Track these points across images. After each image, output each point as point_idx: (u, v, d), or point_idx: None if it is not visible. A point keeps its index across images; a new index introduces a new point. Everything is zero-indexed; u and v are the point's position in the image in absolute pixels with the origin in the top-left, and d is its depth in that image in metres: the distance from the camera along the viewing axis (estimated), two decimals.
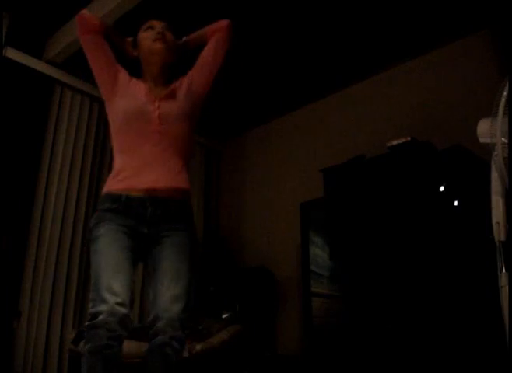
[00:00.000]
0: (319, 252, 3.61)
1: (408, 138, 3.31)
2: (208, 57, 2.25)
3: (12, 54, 3.67)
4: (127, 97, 2.11)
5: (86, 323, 1.77)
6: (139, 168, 2.02)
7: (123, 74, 2.18)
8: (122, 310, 1.76)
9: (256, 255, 4.73)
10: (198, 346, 3.24)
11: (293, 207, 4.11)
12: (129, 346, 3.13)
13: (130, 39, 2.29)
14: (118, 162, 2.08)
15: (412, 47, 3.91)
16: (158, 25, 2.22)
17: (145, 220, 1.98)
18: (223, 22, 2.29)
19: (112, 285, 1.79)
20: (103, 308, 1.75)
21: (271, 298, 4.35)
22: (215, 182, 5.44)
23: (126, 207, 1.96)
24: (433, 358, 2.74)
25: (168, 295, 1.88)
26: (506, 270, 1.90)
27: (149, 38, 2.18)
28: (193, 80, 2.24)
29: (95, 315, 1.75)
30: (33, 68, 3.85)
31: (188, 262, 1.99)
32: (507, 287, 1.88)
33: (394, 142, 3.37)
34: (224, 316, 4.01)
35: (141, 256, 2.02)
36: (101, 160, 4.26)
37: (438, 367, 2.70)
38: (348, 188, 3.63)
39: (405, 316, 2.97)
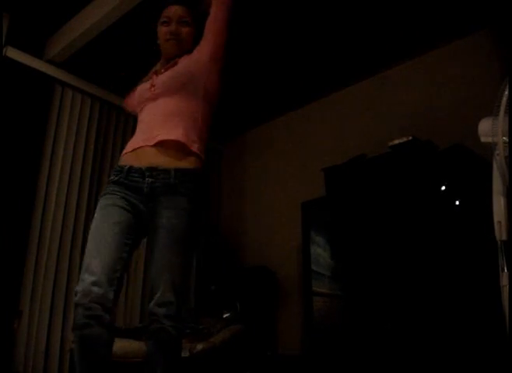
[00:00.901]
0: (320, 252, 3.61)
1: (410, 138, 3.30)
2: (210, 23, 2.18)
3: (12, 53, 3.66)
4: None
5: None
6: (138, 137, 2.08)
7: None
8: (96, 289, 1.75)
9: (257, 254, 4.73)
10: (199, 346, 3.23)
11: (294, 206, 4.11)
12: (129, 346, 3.15)
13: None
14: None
15: (413, 47, 3.90)
16: (173, 17, 2.22)
17: (143, 193, 1.96)
18: None
19: (91, 264, 1.81)
20: (79, 287, 1.78)
21: (272, 297, 4.35)
22: (216, 181, 5.43)
23: (127, 177, 1.98)
24: (433, 357, 2.73)
25: (162, 280, 1.86)
26: (507, 270, 1.90)
27: (163, 35, 2.22)
28: (198, 48, 2.23)
29: (75, 295, 1.78)
30: (33, 68, 3.84)
31: (184, 245, 1.94)
32: (508, 286, 1.88)
33: (396, 141, 3.36)
34: (225, 316, 4.01)
35: (142, 232, 2.00)
36: (102, 159, 4.26)
37: (439, 367, 2.70)
38: (349, 187, 3.63)
39: (406, 316, 2.97)
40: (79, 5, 3.61)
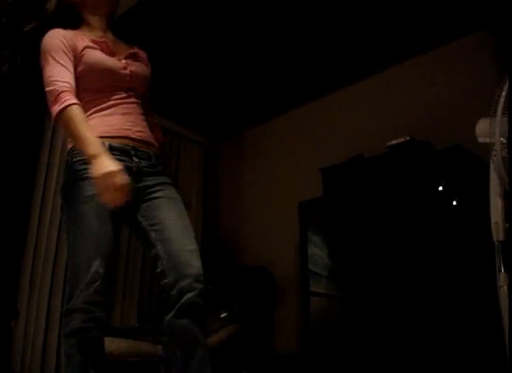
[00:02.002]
0: (318, 252, 3.61)
1: (407, 138, 3.31)
2: None
3: None
4: (90, 54, 1.96)
5: None
6: (120, 119, 1.96)
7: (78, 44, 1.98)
8: (96, 292, 1.72)
9: (254, 254, 4.73)
10: None
11: (292, 206, 4.10)
12: (127, 346, 3.15)
13: None
14: (94, 114, 1.95)
15: (410, 47, 3.90)
16: None
17: (131, 173, 1.82)
18: None
19: (89, 265, 1.74)
20: (77, 291, 1.74)
21: (269, 297, 4.35)
22: (213, 181, 5.43)
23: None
24: (431, 358, 2.74)
25: (186, 251, 1.79)
26: (504, 270, 1.91)
27: None
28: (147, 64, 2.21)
29: (69, 300, 1.78)
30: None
31: (187, 216, 1.93)
32: (506, 286, 1.88)
33: (393, 142, 3.37)
34: (222, 316, 4.01)
35: (124, 217, 1.90)
36: None
37: (437, 367, 2.70)
38: (347, 187, 3.63)
39: (403, 316, 2.97)
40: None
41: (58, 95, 1.79)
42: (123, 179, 1.66)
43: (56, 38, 1.92)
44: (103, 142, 1.81)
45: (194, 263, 1.78)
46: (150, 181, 1.92)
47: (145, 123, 2.05)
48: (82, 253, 1.76)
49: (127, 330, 3.46)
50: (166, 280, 1.77)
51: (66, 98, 1.79)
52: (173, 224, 1.86)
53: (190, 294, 1.72)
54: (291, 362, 3.75)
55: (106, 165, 1.66)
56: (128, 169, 1.79)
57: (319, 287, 3.53)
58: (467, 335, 2.66)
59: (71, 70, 1.89)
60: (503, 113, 1.85)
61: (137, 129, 1.97)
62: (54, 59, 1.87)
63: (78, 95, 1.87)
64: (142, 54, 2.21)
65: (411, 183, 3.19)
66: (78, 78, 1.92)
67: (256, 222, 4.92)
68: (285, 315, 4.29)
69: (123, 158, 1.85)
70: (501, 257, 1.93)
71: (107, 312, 1.79)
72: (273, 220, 4.71)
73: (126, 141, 1.91)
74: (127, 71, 2.02)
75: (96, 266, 1.72)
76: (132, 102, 2.03)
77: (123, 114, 1.97)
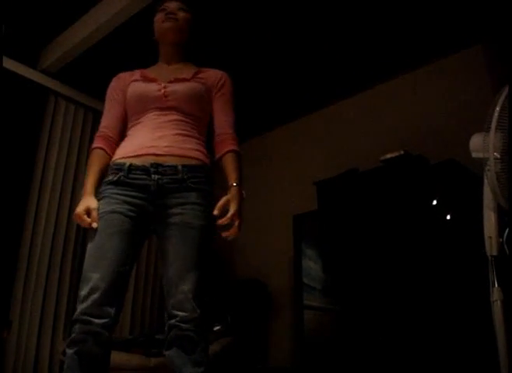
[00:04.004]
0: (312, 265, 3.60)
1: (402, 152, 3.32)
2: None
3: (6, 63, 3.66)
4: (131, 86, 2.16)
5: None
6: (146, 137, 2.03)
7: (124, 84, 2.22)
8: (96, 305, 1.75)
9: (248, 267, 4.72)
10: None
11: (286, 219, 4.10)
12: (119, 358, 3.13)
13: None
14: (124, 138, 2.13)
15: (405, 62, 3.93)
16: (171, 5, 2.22)
17: (150, 191, 1.92)
18: None
19: (92, 279, 1.78)
20: (79, 304, 1.78)
21: (263, 310, 4.34)
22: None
23: (129, 176, 1.93)
24: (425, 370, 2.73)
25: (180, 292, 1.83)
26: (498, 285, 1.91)
27: (160, 19, 2.21)
28: (212, 89, 2.28)
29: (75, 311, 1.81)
30: (27, 78, 3.85)
31: (198, 249, 1.93)
32: (499, 301, 1.88)
33: (388, 156, 3.38)
34: (216, 328, 3.99)
35: (144, 235, 2.02)
36: None
37: None
38: (341, 201, 3.64)
39: (398, 329, 2.97)
40: (74, 16, 3.63)
41: (95, 137, 2.13)
42: (83, 221, 1.87)
43: (110, 85, 2.24)
44: (124, 162, 1.95)
45: (184, 307, 1.81)
46: (171, 199, 1.94)
47: (179, 138, 2.04)
48: (86, 267, 1.82)
49: (119, 342, 3.43)
50: (165, 314, 1.88)
51: (96, 141, 2.10)
52: (172, 262, 1.88)
53: (175, 330, 1.80)
54: None
55: (81, 204, 1.90)
56: (145, 188, 1.91)
57: (313, 301, 3.52)
58: (462, 350, 2.66)
59: (115, 112, 2.17)
60: (496, 129, 1.86)
61: (165, 144, 1.99)
62: (105, 106, 2.20)
63: (128, 123, 2.15)
64: (207, 75, 2.28)
65: (405, 197, 3.20)
66: (126, 108, 2.16)
67: (250, 235, 4.91)
68: (279, 328, 4.27)
69: (142, 176, 1.93)
70: (495, 272, 1.93)
71: (113, 327, 1.79)
72: (267, 233, 4.71)
73: (148, 159, 1.95)
74: (161, 93, 2.08)
75: (96, 279, 1.75)
76: (169, 120, 2.07)
77: (151, 131, 2.03)
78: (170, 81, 2.12)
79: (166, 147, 1.99)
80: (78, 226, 3.84)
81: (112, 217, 1.85)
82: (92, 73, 4.05)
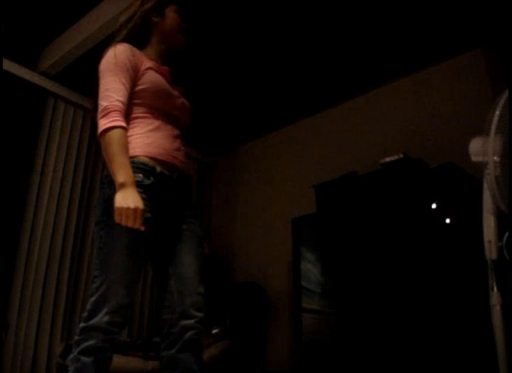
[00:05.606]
0: (310, 268, 3.60)
1: (401, 155, 3.32)
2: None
3: (5, 64, 3.66)
4: (153, 74, 2.01)
5: None
6: (169, 143, 1.98)
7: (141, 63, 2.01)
8: (119, 316, 1.76)
9: (247, 270, 4.72)
10: None
11: (285, 222, 4.10)
12: (117, 361, 3.11)
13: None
14: (146, 133, 1.95)
15: (405, 65, 3.93)
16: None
17: (173, 203, 1.93)
18: None
19: (118, 291, 1.76)
20: (100, 312, 1.75)
21: (261, 313, 4.33)
22: (207, 196, 5.42)
23: (158, 184, 1.87)
24: None
25: (196, 293, 1.90)
26: (497, 289, 1.90)
27: (178, 24, 2.17)
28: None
29: (91, 316, 1.78)
30: (26, 80, 3.84)
31: (203, 257, 2.01)
32: (498, 305, 1.87)
33: (387, 159, 3.38)
34: (214, 332, 3.98)
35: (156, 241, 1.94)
36: (93, 172, 4.24)
37: None
38: (340, 204, 3.63)
39: (396, 333, 2.96)
40: (73, 18, 3.62)
41: (110, 112, 1.81)
42: (138, 220, 1.67)
43: (124, 54, 1.95)
44: (154, 166, 1.86)
45: (201, 307, 1.89)
46: (185, 212, 2.00)
47: (185, 154, 2.09)
48: (115, 277, 1.75)
49: (117, 345, 3.42)
50: (170, 316, 1.88)
51: (117, 118, 1.80)
52: (190, 265, 1.93)
53: (192, 332, 1.84)
54: None
55: (132, 200, 1.67)
56: (167, 200, 1.90)
57: (312, 304, 3.52)
58: (461, 354, 2.65)
59: (129, 89, 1.91)
60: (496, 132, 1.86)
61: (182, 159, 2.02)
62: (117, 75, 1.90)
63: (128, 108, 1.91)
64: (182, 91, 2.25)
65: (404, 201, 3.19)
66: (135, 92, 1.95)
67: (249, 238, 4.91)
68: (278, 331, 4.26)
69: (167, 189, 1.91)
70: (494, 276, 1.93)
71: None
72: (266, 236, 4.71)
73: (173, 169, 1.95)
74: (179, 101, 2.11)
75: (124, 294, 1.75)
76: (180, 134, 2.09)
77: (172, 139, 2.01)
78: (179, 93, 2.15)
79: (182, 162, 2.01)
80: (77, 228, 3.91)
81: (143, 233, 1.75)
82: (91, 75, 4.04)
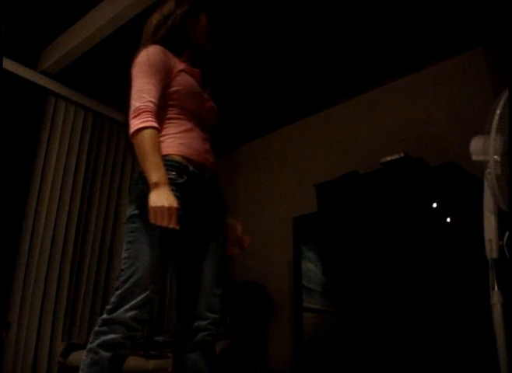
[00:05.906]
0: (311, 267, 3.60)
1: (401, 154, 3.32)
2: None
3: (6, 64, 3.66)
4: (186, 77, 2.04)
5: None
6: (200, 144, 2.04)
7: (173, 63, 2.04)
8: (145, 312, 1.77)
9: (248, 269, 4.72)
10: None
11: (286, 221, 4.11)
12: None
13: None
14: (179, 133, 1.98)
15: (405, 64, 3.93)
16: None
17: (201, 203, 1.95)
18: None
19: (147, 287, 1.76)
20: (129, 307, 1.75)
21: (262, 312, 4.33)
22: None
23: (191, 183, 1.89)
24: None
25: (213, 294, 1.93)
26: (498, 288, 1.90)
27: (204, 33, 2.27)
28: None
29: (114, 309, 1.77)
30: (27, 79, 3.84)
31: (224, 256, 2.08)
32: (499, 304, 1.88)
33: (388, 158, 3.38)
34: None
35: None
36: (94, 171, 4.24)
37: None
38: (341, 203, 3.63)
39: (397, 332, 2.96)
40: (74, 18, 3.62)
41: (142, 112, 1.81)
42: (173, 218, 1.68)
43: (157, 55, 1.96)
44: (186, 165, 1.89)
45: (215, 308, 1.92)
46: (218, 211, 2.08)
47: (214, 156, 2.14)
48: (145, 273, 1.75)
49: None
50: (185, 316, 1.91)
51: (150, 118, 1.81)
52: (211, 266, 1.96)
53: (204, 333, 1.87)
54: None
55: (166, 198, 1.69)
56: (198, 199, 1.93)
57: (312, 303, 3.52)
58: (462, 352, 2.65)
59: (160, 90, 1.92)
60: (496, 131, 1.86)
61: (212, 160, 2.08)
62: (149, 76, 1.91)
63: (162, 109, 1.94)
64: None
65: (405, 200, 3.19)
66: (168, 94, 1.97)
67: (250, 237, 4.91)
68: (279, 330, 4.27)
69: (199, 188, 1.95)
70: (495, 275, 1.93)
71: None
72: (267, 235, 4.71)
73: (204, 169, 2.00)
74: (209, 103, 2.17)
75: (151, 290, 1.75)
76: (206, 132, 2.15)
77: (202, 140, 2.06)
78: (208, 96, 2.21)
79: (212, 163, 2.08)
80: (78, 227, 3.91)
81: (175, 235, 1.80)
82: (92, 74, 4.05)
